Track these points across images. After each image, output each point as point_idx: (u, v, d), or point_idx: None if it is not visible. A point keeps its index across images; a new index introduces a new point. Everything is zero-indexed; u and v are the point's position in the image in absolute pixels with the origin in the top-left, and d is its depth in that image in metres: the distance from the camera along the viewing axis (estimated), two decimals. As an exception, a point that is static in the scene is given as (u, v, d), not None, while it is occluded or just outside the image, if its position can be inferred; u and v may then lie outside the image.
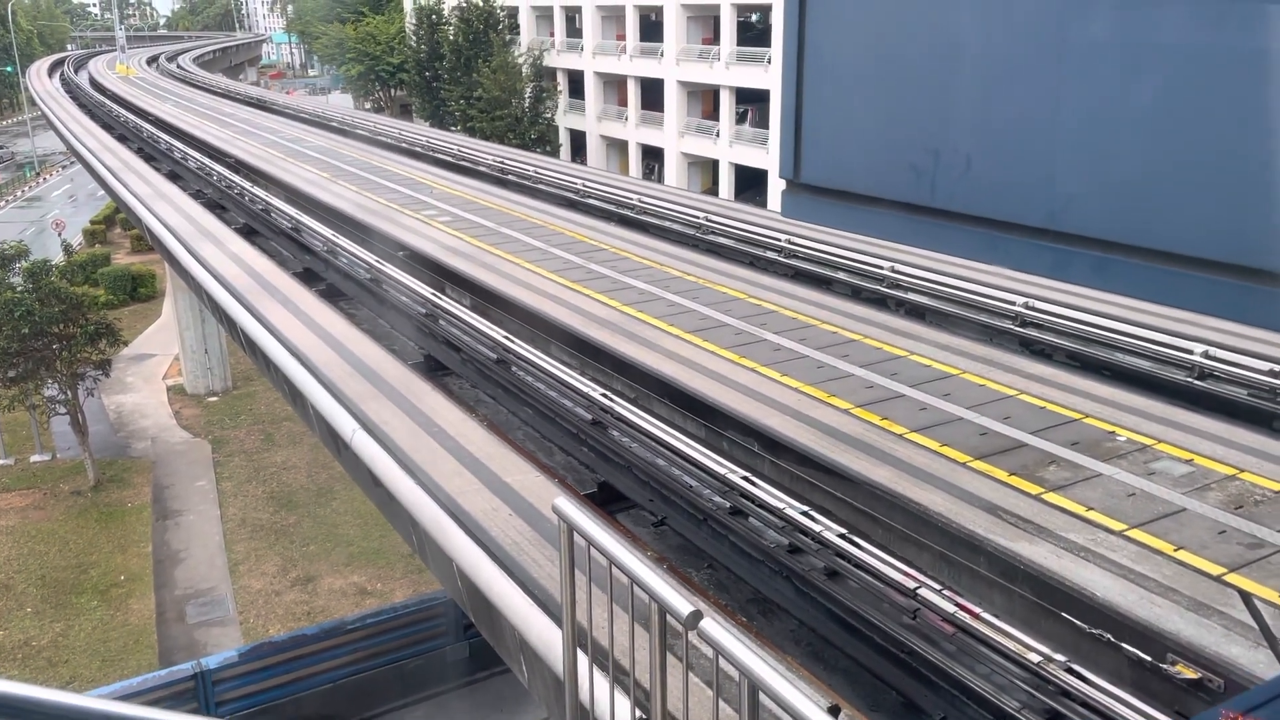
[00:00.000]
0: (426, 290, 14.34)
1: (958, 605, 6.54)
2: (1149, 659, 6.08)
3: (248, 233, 20.95)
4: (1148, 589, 6.60)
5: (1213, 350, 10.76)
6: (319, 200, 22.47)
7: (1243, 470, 8.38)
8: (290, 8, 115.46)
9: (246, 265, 16.77)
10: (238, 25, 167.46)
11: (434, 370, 13.00)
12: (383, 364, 11.58)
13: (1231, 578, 6.73)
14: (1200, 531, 7.36)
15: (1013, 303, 12.83)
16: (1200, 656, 5.92)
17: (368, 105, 78.78)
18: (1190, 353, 10.90)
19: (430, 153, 30.82)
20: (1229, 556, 7.00)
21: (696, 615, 4.11)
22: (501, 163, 27.70)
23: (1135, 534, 7.32)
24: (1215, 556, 7.00)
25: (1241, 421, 9.69)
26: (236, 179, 25.33)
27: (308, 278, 17.32)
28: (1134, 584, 6.67)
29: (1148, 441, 8.99)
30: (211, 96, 54.89)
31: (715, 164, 46.19)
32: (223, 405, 31.46)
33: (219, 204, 24.62)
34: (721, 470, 8.55)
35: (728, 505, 8.40)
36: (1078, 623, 6.54)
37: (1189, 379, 10.88)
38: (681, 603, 4.09)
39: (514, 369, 11.87)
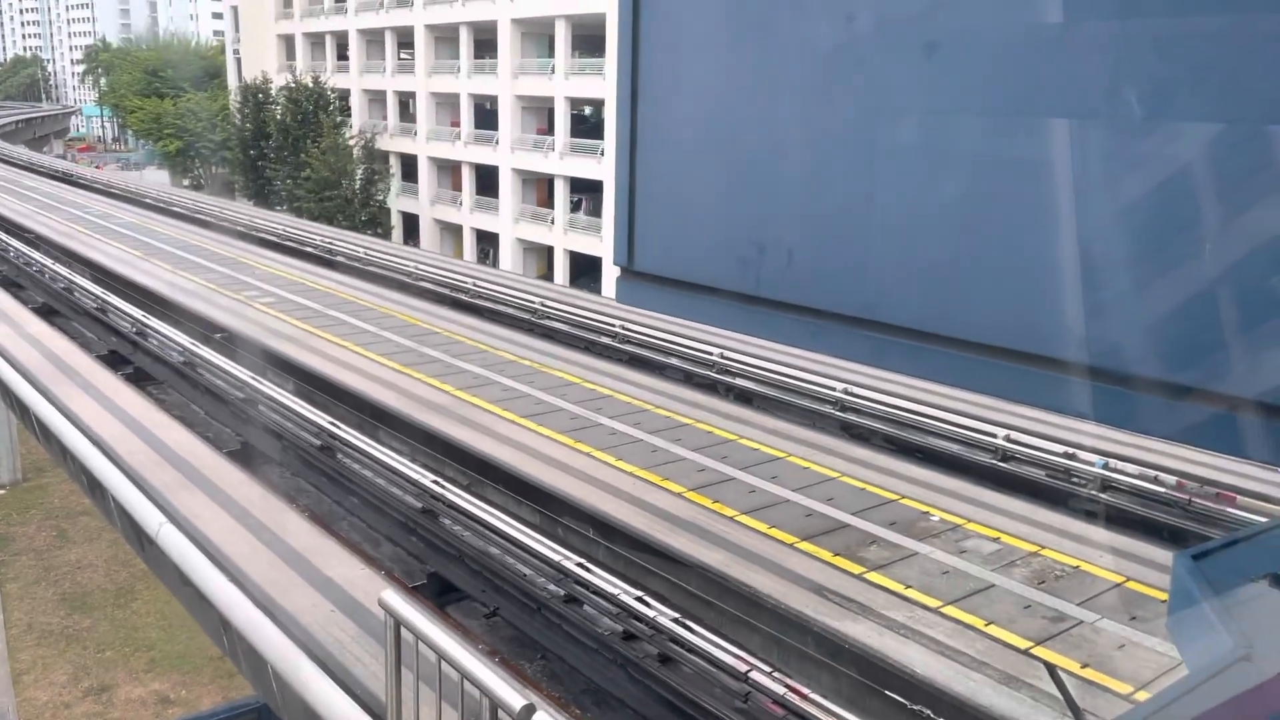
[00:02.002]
0: (245, 374, 13.70)
1: (788, 687, 6.63)
2: (967, 732, 6.31)
3: (47, 313, 19.54)
4: (963, 664, 6.89)
5: (1013, 434, 11.54)
6: (129, 279, 21.26)
7: (1044, 547, 8.94)
8: (104, 80, 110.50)
9: (44, 347, 15.57)
10: (45, 96, 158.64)
11: (252, 458, 12.34)
12: (195, 452, 10.91)
13: (1038, 650, 7.12)
14: (1008, 606, 7.78)
15: (833, 388, 13.42)
16: (1013, 727, 6.19)
17: (186, 182, 75.75)
18: (994, 436, 11.66)
19: (253, 232, 29.81)
20: (1035, 630, 7.41)
21: (529, 709, 4.00)
22: (330, 244, 27.07)
23: (950, 610, 7.66)
24: (1023, 630, 7.39)
25: (1042, 501, 10.39)
26: (36, 255, 23.69)
27: (113, 361, 16.24)
28: (950, 659, 6.95)
29: (959, 521, 9.49)
30: (11, 169, 51.47)
31: (550, 250, 46.69)
32: (10, 499, 28.75)
33: (15, 282, 22.90)
34: (556, 557, 8.44)
35: (562, 593, 8.27)
36: (900, 699, 6.73)
37: (994, 461, 11.61)
38: (514, 696, 3.97)
39: (339, 456, 11.42)
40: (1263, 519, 9.56)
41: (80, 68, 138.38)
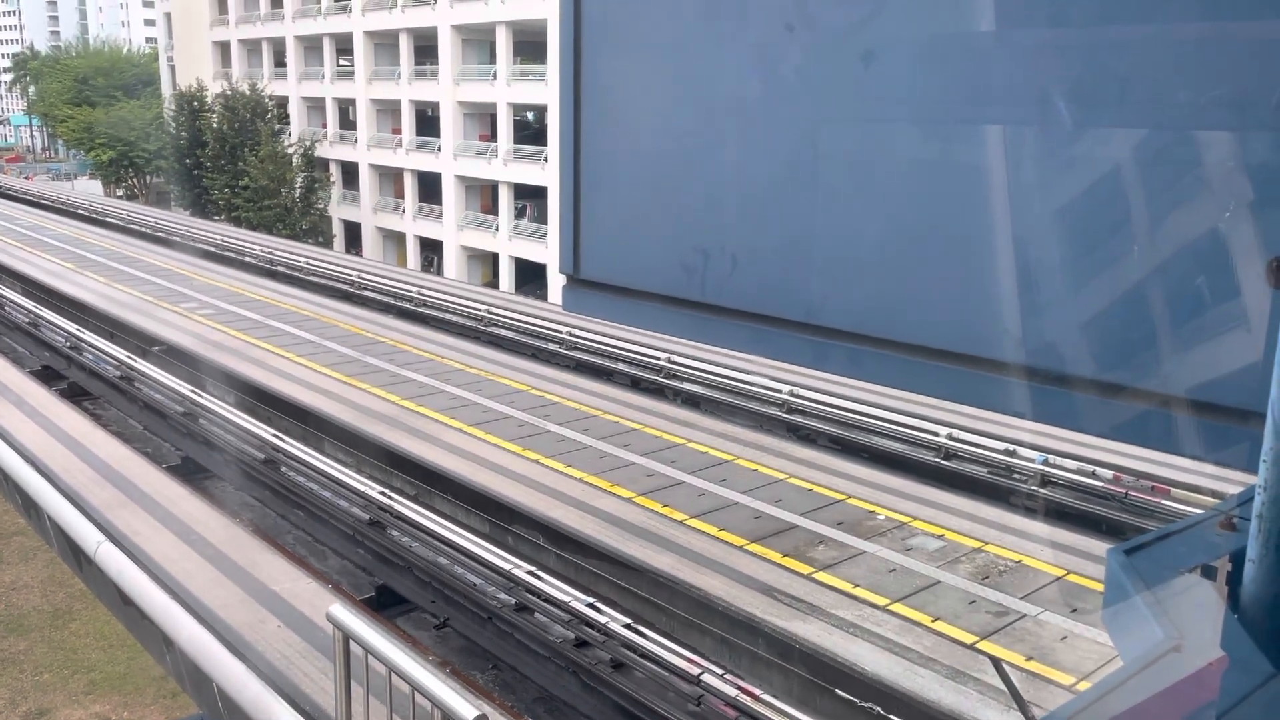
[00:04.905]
0: (185, 387, 13.42)
1: (739, 688, 6.67)
2: (916, 727, 6.41)
3: (-25, 327, 18.99)
4: (911, 660, 6.99)
5: (956, 432, 11.74)
6: (62, 292, 20.73)
7: (987, 543, 9.11)
8: (32, 89, 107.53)
9: (-27, 363, 15.11)
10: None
11: (193, 473, 12.10)
12: (134, 468, 10.66)
13: (983, 645, 7.25)
14: (954, 602, 7.91)
15: (779, 391, 13.53)
16: (960, 721, 6.29)
17: (119, 192, 74.03)
18: (937, 435, 11.85)
19: (191, 243, 29.24)
20: (979, 625, 7.55)
21: (482, 719, 3.98)
22: (270, 254, 26.66)
23: (897, 608, 7.77)
24: (968, 625, 7.52)
25: (984, 497, 10.58)
26: (-37, 268, 23.00)
27: (47, 376, 15.82)
28: (898, 656, 7.04)
29: (904, 519, 9.63)
30: (-65, 178, 49.92)
31: (495, 257, 46.44)
32: (-62, 520, 27.81)
33: (-60, 295, 22.19)
34: (506, 566, 8.40)
35: (513, 602, 8.23)
36: (849, 697, 6.81)
37: (937, 459, 11.80)
38: (466, 707, 3.95)
39: (284, 469, 11.25)
40: (1197, 510, 9.84)
41: (8, 76, 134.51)
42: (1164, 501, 10.13)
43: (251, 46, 61.34)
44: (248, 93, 55.94)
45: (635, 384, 15.41)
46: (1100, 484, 10.56)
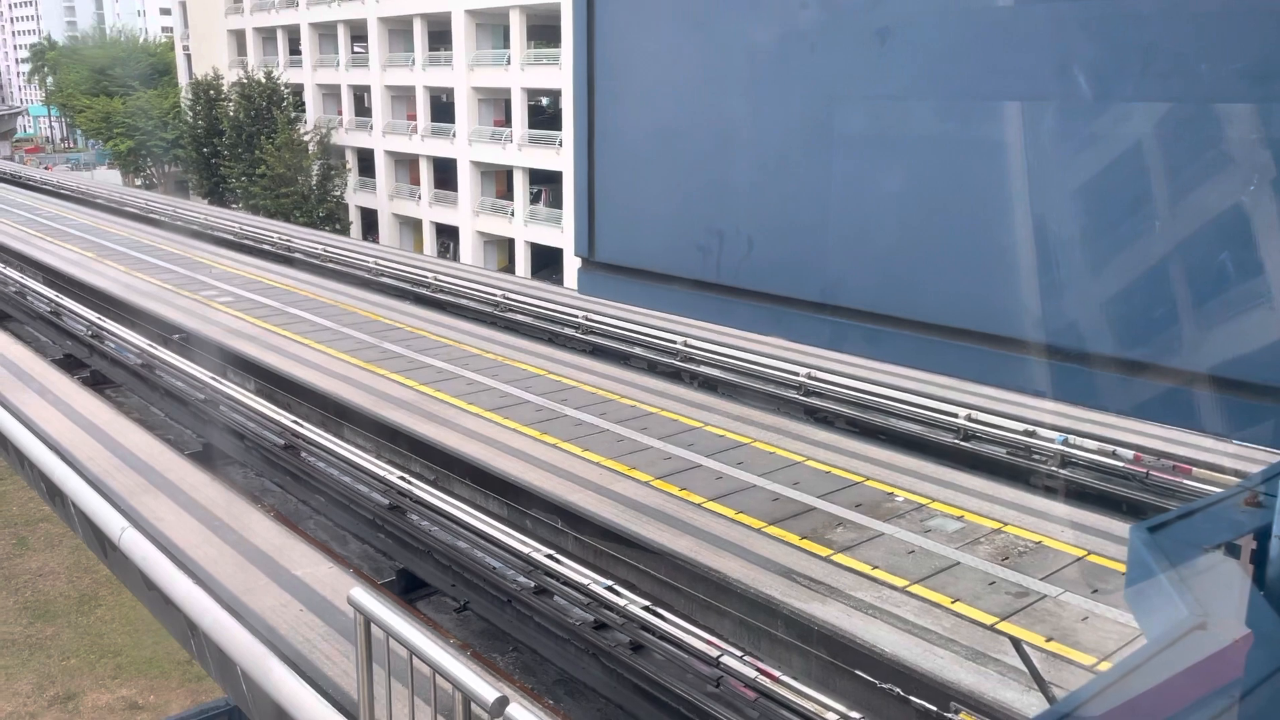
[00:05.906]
0: (205, 374, 13.52)
1: (759, 670, 6.69)
2: (935, 709, 6.41)
3: (-2, 317, 19.17)
4: (930, 641, 6.98)
5: (975, 414, 11.68)
6: (83, 281, 20.89)
7: (1007, 524, 9.08)
8: (50, 79, 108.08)
9: (-4, 352, 15.26)
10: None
11: (214, 459, 12.20)
12: (156, 454, 10.76)
13: (1003, 626, 7.23)
14: (973, 583, 7.89)
15: (796, 373, 13.50)
16: (980, 704, 6.29)
17: (138, 182, 74.47)
18: (955, 416, 11.79)
19: (209, 231, 29.39)
20: (999, 606, 7.53)
21: (503, 701, 4.01)
22: (288, 241, 26.75)
23: (917, 589, 7.76)
24: (988, 606, 7.51)
25: (1003, 478, 10.53)
26: (-15, 258, 23.18)
27: (69, 365, 15.96)
28: (918, 638, 7.04)
29: (923, 501, 9.61)
30: (-44, 169, 50.28)
31: (511, 242, 46.48)
32: (-34, 508, 28.16)
33: (-36, 286, 22.38)
34: (525, 549, 8.44)
35: (532, 585, 8.27)
36: (869, 678, 6.82)
37: (956, 440, 11.75)
38: (487, 689, 3.98)
39: (303, 454, 11.32)
40: (1219, 489, 9.76)
41: (25, 67, 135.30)
42: (1186, 481, 10.05)
43: (267, 34, 61.44)
44: (263, 81, 56.06)
45: (652, 367, 15.41)
46: (1121, 464, 10.49)
